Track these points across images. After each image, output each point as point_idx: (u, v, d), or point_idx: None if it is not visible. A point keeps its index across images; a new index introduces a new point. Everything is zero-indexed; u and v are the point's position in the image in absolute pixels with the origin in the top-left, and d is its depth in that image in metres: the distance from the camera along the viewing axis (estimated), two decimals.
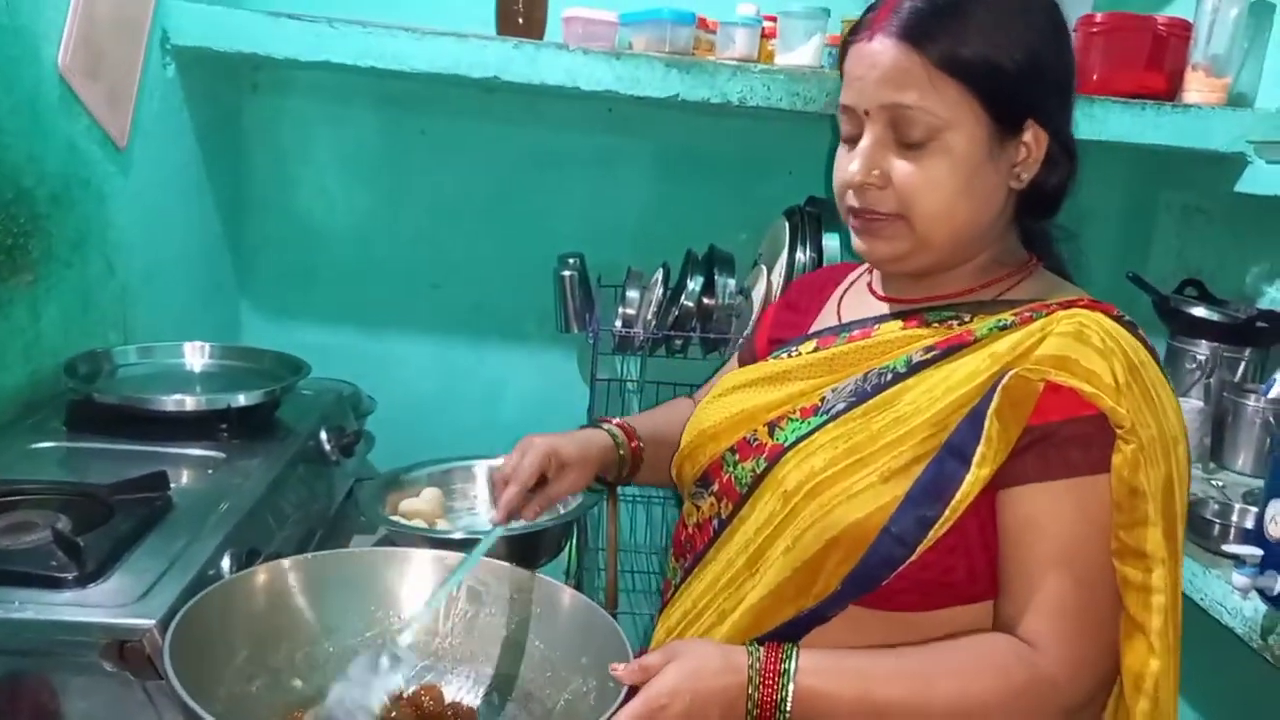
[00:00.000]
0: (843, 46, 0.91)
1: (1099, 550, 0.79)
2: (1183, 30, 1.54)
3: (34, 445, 1.12)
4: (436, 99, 1.78)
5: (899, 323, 0.93)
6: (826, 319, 1.03)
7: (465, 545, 1.14)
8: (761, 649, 0.79)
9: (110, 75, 1.34)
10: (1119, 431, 0.78)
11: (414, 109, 1.81)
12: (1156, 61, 1.55)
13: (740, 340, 1.67)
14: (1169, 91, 1.56)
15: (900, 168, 0.85)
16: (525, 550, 1.14)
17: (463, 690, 0.92)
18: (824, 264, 1.61)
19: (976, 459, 0.78)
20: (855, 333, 0.95)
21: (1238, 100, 1.56)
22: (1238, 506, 1.25)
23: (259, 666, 0.86)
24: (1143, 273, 1.65)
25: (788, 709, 0.77)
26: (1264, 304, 1.57)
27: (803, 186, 1.72)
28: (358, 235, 1.88)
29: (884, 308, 0.96)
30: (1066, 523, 0.79)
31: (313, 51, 1.45)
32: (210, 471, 1.11)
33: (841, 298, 1.04)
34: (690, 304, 1.66)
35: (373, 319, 1.90)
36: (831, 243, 1.61)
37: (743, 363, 1.09)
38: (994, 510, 0.81)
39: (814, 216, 1.65)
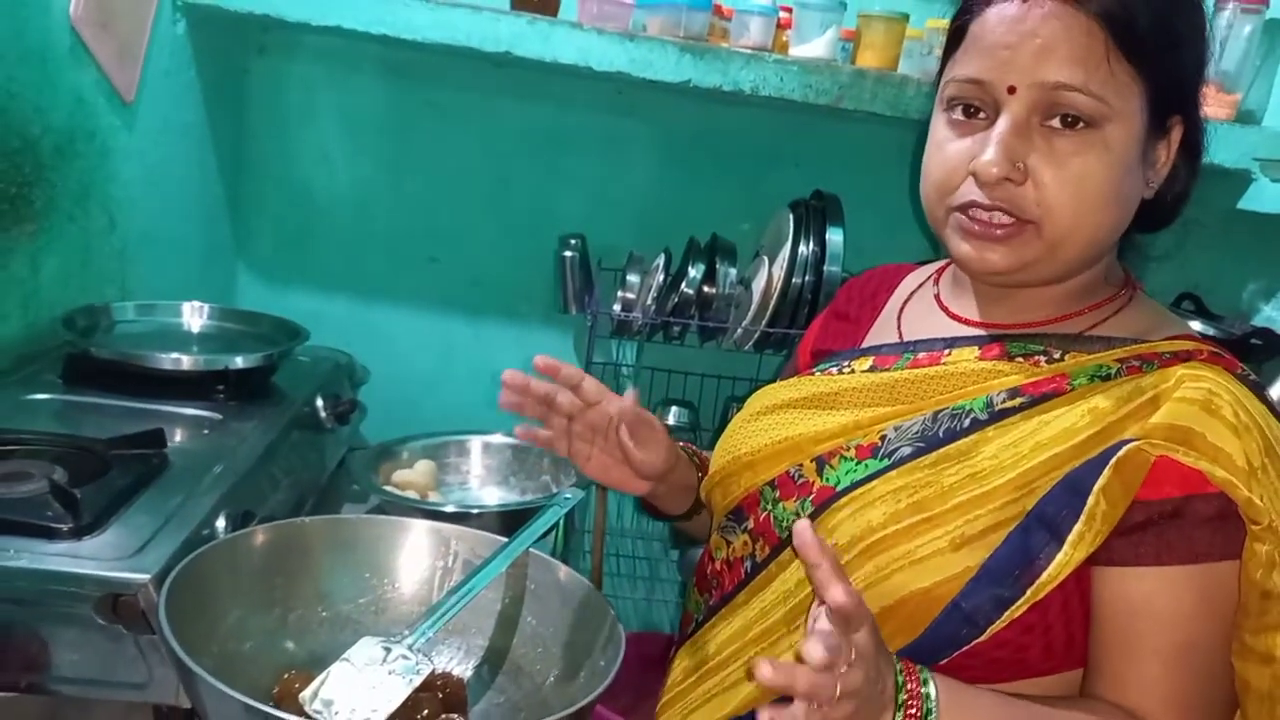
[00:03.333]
0: (964, 5, 0.76)
1: (1219, 642, 0.70)
2: None
3: (29, 396, 1.11)
4: (445, 71, 1.77)
5: (975, 350, 0.80)
6: (884, 333, 0.90)
7: (457, 518, 1.15)
8: (902, 663, 0.68)
9: (121, 28, 1.32)
10: (1254, 528, 0.67)
11: (422, 80, 1.80)
12: None
13: (738, 330, 1.67)
14: None
15: (1047, 162, 0.71)
16: (520, 526, 1.14)
17: (454, 661, 0.92)
18: (826, 259, 1.61)
19: (1073, 538, 0.68)
20: (921, 355, 0.82)
21: (1246, 118, 1.56)
22: None
23: (252, 627, 0.86)
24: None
25: None
26: (1259, 321, 1.59)
27: (809, 179, 1.72)
28: (357, 205, 1.86)
29: (957, 328, 0.84)
30: (1187, 612, 0.69)
31: (324, 16, 1.44)
32: (206, 432, 1.10)
33: (902, 309, 0.91)
34: (690, 291, 1.65)
35: (369, 289, 1.89)
36: (835, 237, 1.61)
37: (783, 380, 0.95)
38: (1080, 584, 0.71)
39: (819, 210, 1.65)
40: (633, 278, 1.71)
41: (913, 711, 0.66)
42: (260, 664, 0.85)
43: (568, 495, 1.03)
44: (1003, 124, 0.72)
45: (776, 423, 0.86)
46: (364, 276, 1.89)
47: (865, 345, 0.90)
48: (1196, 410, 0.68)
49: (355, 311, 1.89)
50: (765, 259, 1.70)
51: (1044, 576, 0.68)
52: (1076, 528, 0.68)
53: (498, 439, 1.38)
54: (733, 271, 1.66)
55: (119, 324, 1.31)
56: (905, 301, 0.92)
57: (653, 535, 1.93)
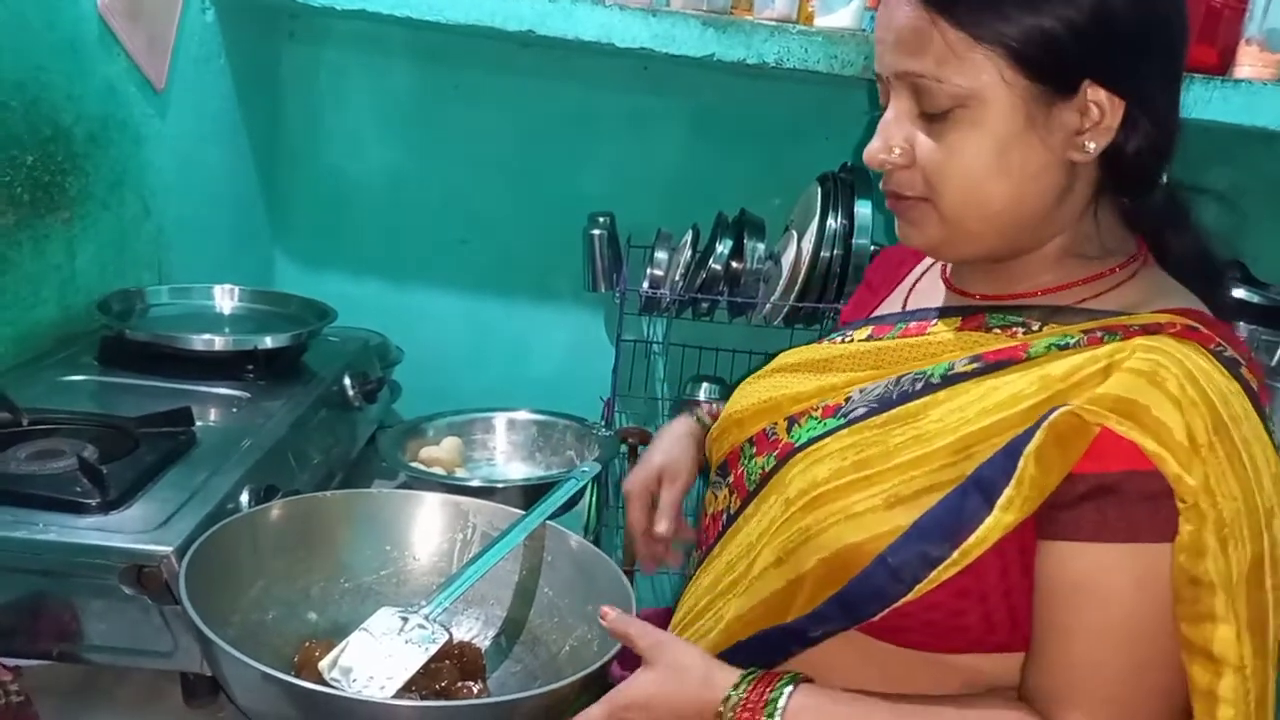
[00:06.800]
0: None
1: (1162, 631, 0.66)
2: (1238, 3, 1.49)
3: (66, 378, 1.14)
4: (471, 52, 1.78)
5: (957, 321, 0.81)
6: (893, 303, 0.92)
7: (481, 493, 1.16)
8: (755, 675, 0.73)
9: (150, 17, 1.35)
10: (1180, 506, 0.65)
11: (449, 62, 1.81)
12: (1209, 34, 1.51)
13: (767, 305, 1.66)
14: (1220, 66, 1.52)
15: (922, 143, 0.74)
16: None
17: (473, 631, 0.94)
18: (855, 232, 1.59)
19: (1002, 501, 0.67)
20: (911, 325, 0.84)
21: None
22: None
23: (274, 598, 0.88)
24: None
25: None
26: None
27: (838, 152, 1.70)
28: (389, 187, 1.89)
29: (952, 299, 0.85)
30: (1124, 594, 0.67)
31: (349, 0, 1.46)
32: (235, 410, 1.13)
33: (916, 281, 0.93)
34: (718, 267, 1.65)
35: (403, 271, 1.92)
36: (864, 210, 1.59)
37: None
38: (1024, 556, 0.70)
39: (847, 183, 1.63)
40: (661, 255, 1.71)
41: (747, 716, 0.70)
42: (283, 634, 0.88)
43: (585, 469, 1.04)
44: (888, 112, 0.76)
45: (771, 384, 0.89)
46: (397, 259, 1.92)
47: (873, 315, 0.92)
48: (1142, 382, 0.66)
49: (389, 293, 1.92)
50: (794, 233, 1.69)
51: (973, 539, 0.68)
52: (1006, 491, 0.67)
53: (522, 415, 1.40)
54: (761, 246, 1.65)
55: (153, 307, 1.34)
56: (923, 274, 0.93)
57: (686, 511, 1.93)
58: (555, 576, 0.93)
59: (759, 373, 0.94)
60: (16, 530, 0.81)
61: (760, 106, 1.82)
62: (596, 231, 1.71)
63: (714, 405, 1.07)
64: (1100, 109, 0.71)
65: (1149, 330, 0.71)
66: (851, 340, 0.87)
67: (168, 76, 1.41)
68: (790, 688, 0.72)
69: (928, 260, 0.94)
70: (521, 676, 0.89)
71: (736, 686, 0.72)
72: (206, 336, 1.22)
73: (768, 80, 1.74)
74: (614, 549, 1.71)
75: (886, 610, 0.71)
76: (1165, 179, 0.79)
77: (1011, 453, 0.68)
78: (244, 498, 0.93)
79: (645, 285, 1.70)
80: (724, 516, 0.89)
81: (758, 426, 0.88)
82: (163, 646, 0.83)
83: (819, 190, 1.65)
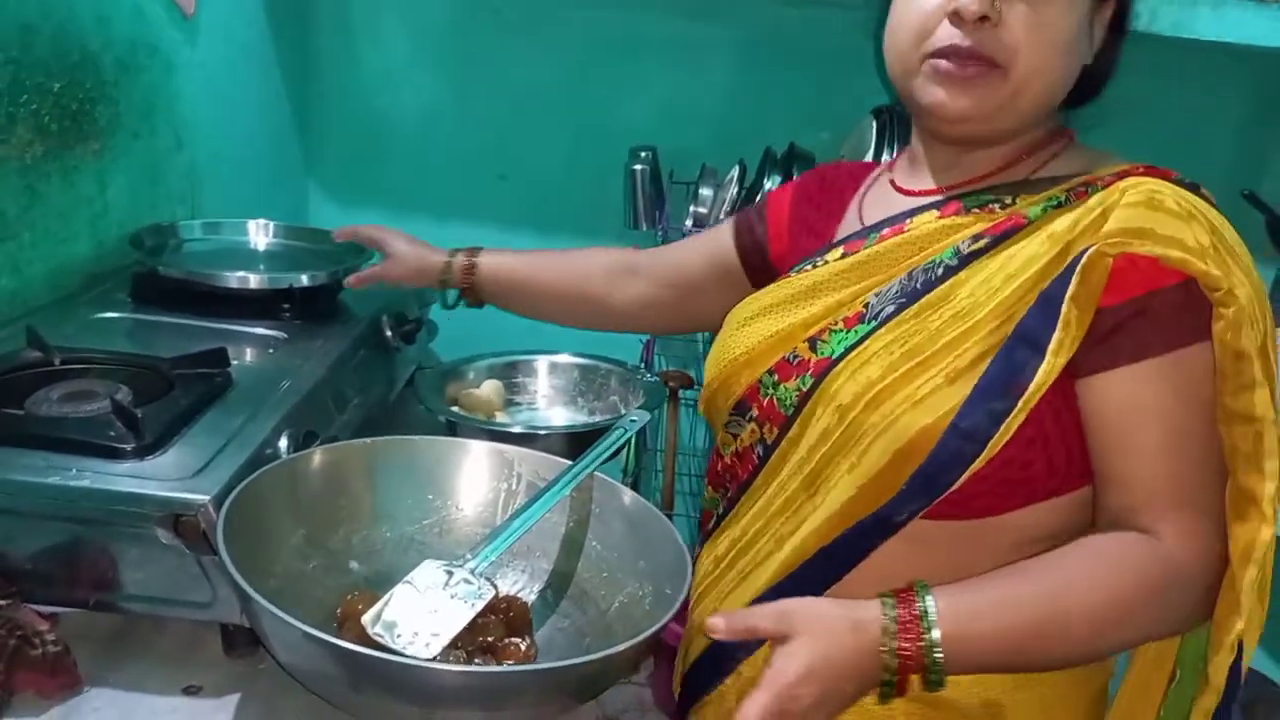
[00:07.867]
0: None
1: (1206, 425, 0.74)
2: None
3: (98, 315, 1.12)
4: None
5: (934, 213, 0.84)
6: (850, 225, 0.94)
7: (523, 440, 1.13)
8: (893, 597, 0.70)
9: None
10: (1215, 295, 0.71)
11: None
12: None
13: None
14: None
15: (1021, 10, 0.76)
16: (586, 448, 1.11)
17: (518, 584, 0.91)
18: None
19: (1053, 346, 0.72)
20: (885, 231, 0.86)
21: None
22: None
23: (316, 547, 0.86)
24: (1258, 190, 1.53)
25: (938, 656, 0.68)
26: None
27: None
28: (426, 121, 1.83)
29: (914, 201, 0.88)
30: (1172, 401, 0.73)
31: None
32: (271, 351, 1.10)
33: (862, 200, 0.95)
34: None
35: (440, 207, 1.86)
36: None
37: (738, 232, 1.05)
38: (1066, 399, 0.75)
39: (904, 116, 1.55)
40: (706, 191, 1.65)
41: (909, 637, 0.68)
42: (325, 584, 0.85)
43: (634, 418, 1.00)
44: None
45: (765, 324, 0.90)
46: (435, 194, 1.86)
47: (837, 240, 0.93)
48: (1143, 210, 0.73)
49: (427, 229, 1.82)
50: None
51: (1033, 385, 0.73)
52: (1055, 335, 0.73)
53: (564, 359, 1.35)
54: None
55: (186, 242, 1.31)
56: (865, 194, 0.96)
57: (698, 471, 1.89)
58: (605, 531, 0.90)
59: (738, 320, 0.94)
60: (50, 476, 0.78)
61: (812, 35, 1.74)
62: (638, 167, 1.65)
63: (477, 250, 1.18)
64: (1102, 23, 0.81)
65: (1120, 177, 0.78)
66: (826, 264, 0.89)
67: (197, 1, 1.35)
68: (930, 596, 0.70)
69: (865, 183, 0.97)
70: (569, 633, 0.86)
71: (885, 615, 0.69)
72: (241, 274, 1.19)
73: (820, 7, 1.66)
74: (653, 493, 1.68)
75: (966, 474, 0.74)
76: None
77: (1046, 303, 0.74)
78: (282, 443, 0.90)
79: (689, 223, 1.64)
80: (758, 449, 0.88)
81: (773, 358, 0.89)
82: (201, 597, 0.80)
83: (873, 123, 1.57)
